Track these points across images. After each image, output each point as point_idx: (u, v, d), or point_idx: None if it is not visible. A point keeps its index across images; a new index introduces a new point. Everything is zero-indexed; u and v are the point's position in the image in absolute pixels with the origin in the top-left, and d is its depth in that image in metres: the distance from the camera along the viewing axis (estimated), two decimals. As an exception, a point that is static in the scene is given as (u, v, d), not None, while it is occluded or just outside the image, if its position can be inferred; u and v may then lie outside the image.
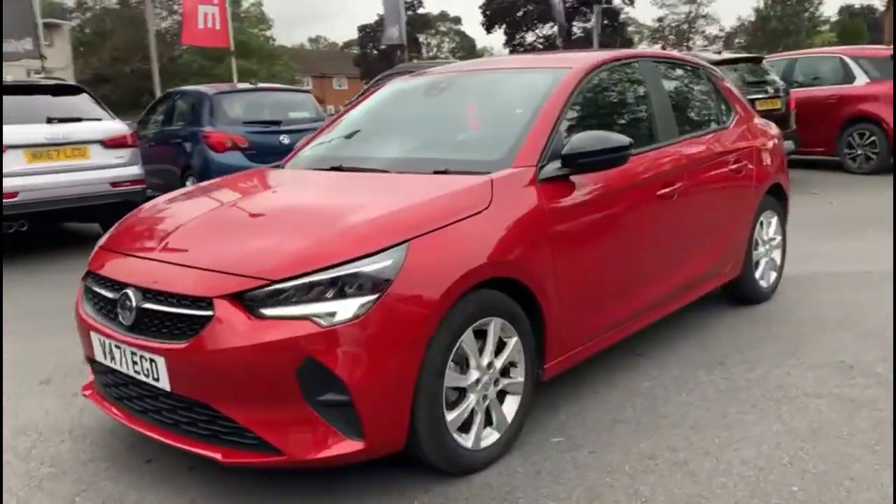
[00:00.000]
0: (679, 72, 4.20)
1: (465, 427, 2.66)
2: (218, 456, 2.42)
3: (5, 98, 6.79)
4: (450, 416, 2.56)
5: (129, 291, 2.59)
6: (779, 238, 4.71)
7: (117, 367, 2.67)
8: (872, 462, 2.64)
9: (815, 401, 3.17)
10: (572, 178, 3.07)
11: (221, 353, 2.33)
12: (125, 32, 36.69)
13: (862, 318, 4.20)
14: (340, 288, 2.34)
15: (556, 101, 3.22)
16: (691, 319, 4.25)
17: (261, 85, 9.56)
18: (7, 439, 3.12)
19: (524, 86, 3.49)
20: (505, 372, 2.81)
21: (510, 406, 2.83)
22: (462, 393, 2.64)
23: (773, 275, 4.69)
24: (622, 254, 3.30)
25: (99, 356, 2.77)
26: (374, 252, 2.39)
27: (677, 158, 3.67)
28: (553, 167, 3.00)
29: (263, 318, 2.33)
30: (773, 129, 4.76)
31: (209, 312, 2.37)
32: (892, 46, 11.29)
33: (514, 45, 52.77)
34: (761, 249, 4.54)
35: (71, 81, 8.87)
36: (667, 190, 3.51)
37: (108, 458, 2.92)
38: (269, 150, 7.91)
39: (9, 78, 9.07)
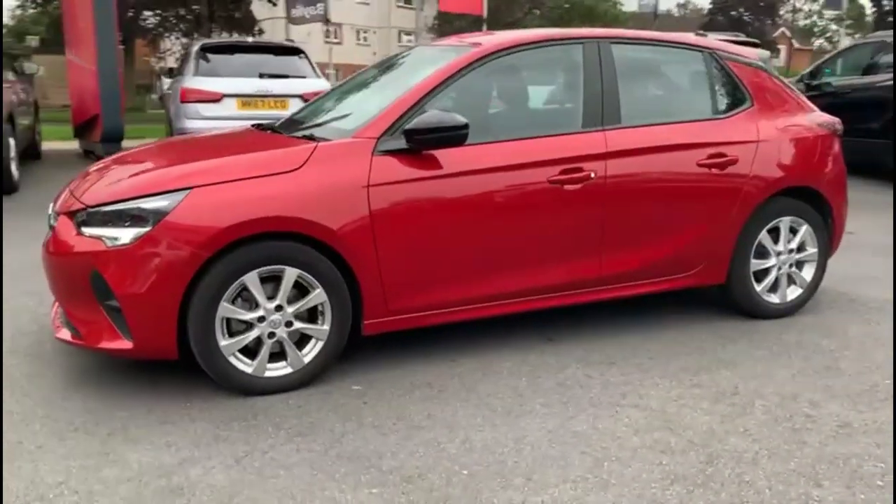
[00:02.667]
0: (653, 55, 3.90)
1: (253, 355, 3.09)
2: (67, 337, 3.17)
3: (232, 55, 8.34)
4: (224, 342, 3.02)
5: (50, 210, 3.45)
6: (810, 251, 4.11)
7: None
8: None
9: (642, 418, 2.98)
10: (436, 153, 3.24)
11: (53, 257, 3.08)
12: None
13: (838, 369, 3.61)
14: (126, 218, 2.93)
15: (432, 79, 3.37)
16: (667, 321, 4.02)
17: None
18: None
19: (434, 62, 3.63)
20: (313, 318, 3.16)
21: (311, 349, 3.17)
22: (249, 325, 3.07)
23: (795, 291, 4.13)
24: (478, 233, 3.35)
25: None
26: (154, 193, 2.93)
27: (598, 146, 3.51)
28: (398, 142, 3.20)
29: (80, 234, 3.01)
30: (818, 124, 4.11)
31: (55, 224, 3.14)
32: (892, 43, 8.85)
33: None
34: (772, 260, 4.03)
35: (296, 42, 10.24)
36: (564, 177, 3.43)
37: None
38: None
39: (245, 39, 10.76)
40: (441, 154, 3.26)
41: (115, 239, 2.92)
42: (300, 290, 3.11)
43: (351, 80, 4.33)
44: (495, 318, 3.57)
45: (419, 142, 3.17)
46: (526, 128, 3.60)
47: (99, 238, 2.94)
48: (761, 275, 4.04)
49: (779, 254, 4.04)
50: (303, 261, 3.06)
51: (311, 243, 3.06)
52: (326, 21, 14.23)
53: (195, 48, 8.86)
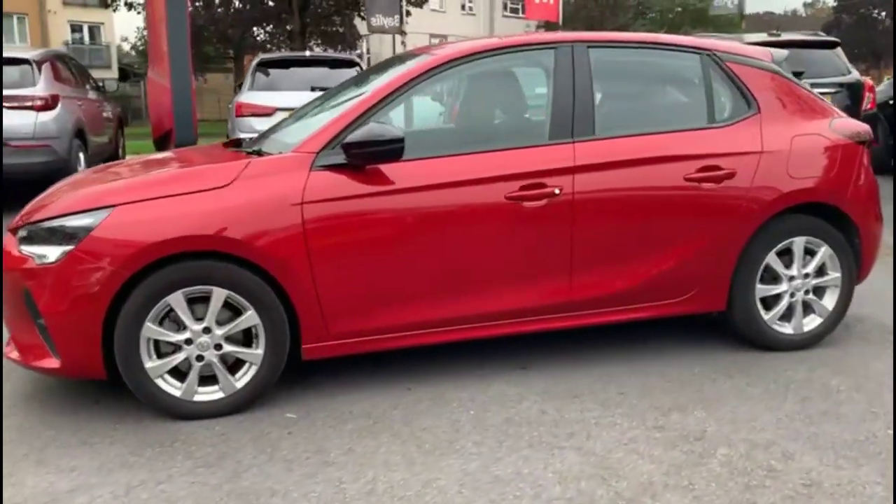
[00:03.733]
0: (639, 59, 3.53)
1: (184, 377, 3.00)
2: (14, 356, 3.17)
3: (288, 69, 8.43)
4: (150, 363, 2.94)
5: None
6: (832, 275, 3.63)
7: None
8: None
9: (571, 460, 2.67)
10: (384, 168, 3.06)
11: (2, 274, 3.10)
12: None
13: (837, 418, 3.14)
14: (54, 236, 2.90)
15: (380, 91, 3.18)
16: (665, 349, 3.67)
17: None
18: None
19: (390, 73, 3.43)
20: (249, 341, 3.04)
21: (244, 373, 3.04)
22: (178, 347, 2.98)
23: (813, 321, 3.66)
24: (428, 254, 3.12)
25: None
26: (79, 211, 2.89)
27: (565, 160, 3.22)
28: (339, 157, 3.04)
29: (20, 251, 3.01)
30: (839, 133, 3.62)
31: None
32: None
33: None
34: (783, 285, 3.58)
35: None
36: (523, 193, 3.16)
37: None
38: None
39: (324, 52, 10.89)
40: (389, 169, 3.08)
41: (43, 257, 2.89)
42: (236, 312, 2.99)
43: (336, 90, 4.20)
44: (452, 343, 3.33)
45: (355, 156, 2.99)
46: (485, 140, 3.35)
47: (31, 255, 2.93)
48: (772, 301, 3.61)
49: (791, 278, 3.58)
50: (232, 281, 2.94)
51: (240, 263, 2.94)
52: (402, 33, 14.30)
53: (254, 63, 9.03)
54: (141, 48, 33.63)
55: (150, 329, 2.91)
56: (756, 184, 3.42)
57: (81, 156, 8.37)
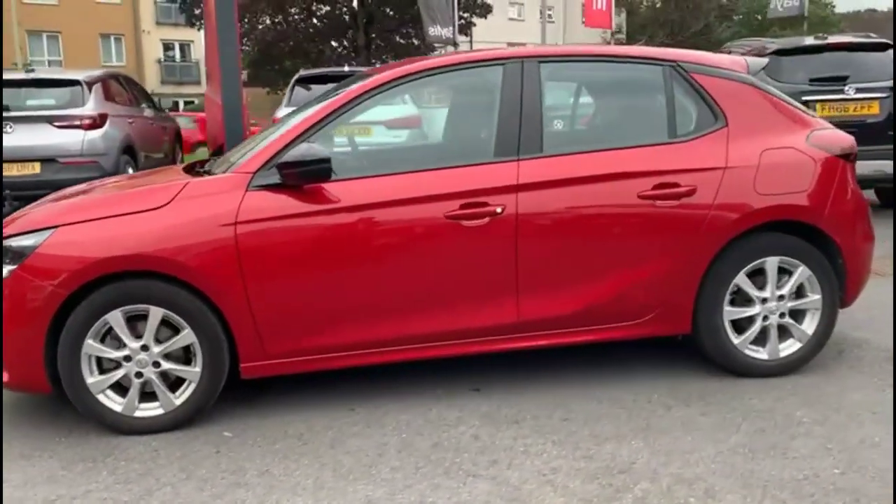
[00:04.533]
0: (596, 73, 3.40)
1: (126, 393, 3.08)
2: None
3: (325, 85, 8.55)
4: (92, 379, 3.02)
5: None
6: (812, 298, 3.40)
7: None
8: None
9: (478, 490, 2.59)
10: (324, 187, 3.07)
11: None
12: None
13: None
14: (7, 255, 3.02)
15: (319, 112, 3.19)
16: (633, 371, 3.53)
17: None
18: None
19: (339, 92, 3.42)
20: (189, 360, 3.09)
21: (183, 390, 3.10)
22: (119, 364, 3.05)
23: (791, 346, 3.44)
24: (366, 274, 3.10)
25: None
26: (22, 233, 3.01)
27: (508, 178, 3.14)
28: (275, 177, 3.06)
29: None
30: (818, 147, 3.39)
31: None
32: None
33: None
34: (755, 307, 3.38)
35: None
36: (463, 212, 3.09)
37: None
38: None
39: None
40: (330, 187, 3.08)
41: (-12, 277, 3.03)
42: (176, 330, 3.05)
43: (302, 108, 4.24)
44: (393, 364, 3.29)
45: (287, 176, 3.01)
46: (429, 159, 3.31)
47: (-13, 274, 3.07)
48: (746, 325, 3.41)
49: (764, 300, 3.38)
50: (168, 300, 3.00)
51: (176, 282, 2.99)
52: (454, 45, 14.35)
53: (294, 79, 9.22)
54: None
55: (91, 346, 2.99)
56: (719, 201, 3.25)
57: (130, 171, 8.73)
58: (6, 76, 8.61)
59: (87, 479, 2.73)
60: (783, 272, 3.39)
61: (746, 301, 3.39)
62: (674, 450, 2.80)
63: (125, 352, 3.02)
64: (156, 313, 3.00)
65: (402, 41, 23.74)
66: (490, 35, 37.58)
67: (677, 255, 3.26)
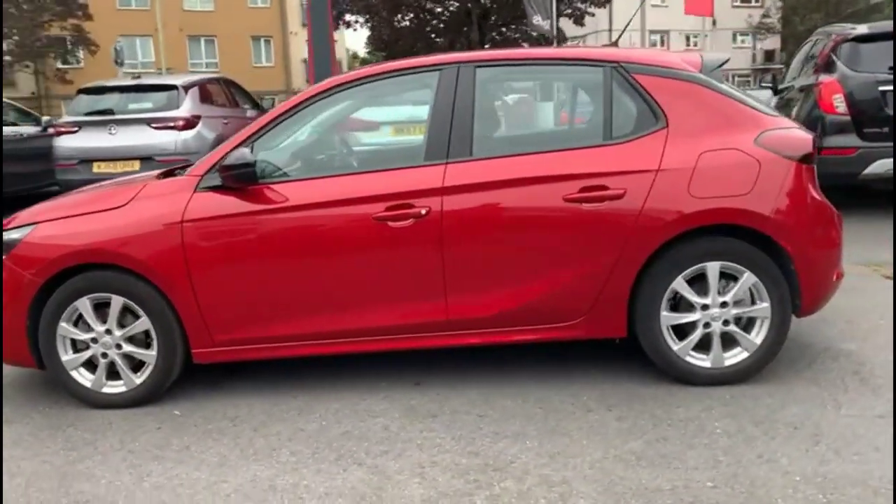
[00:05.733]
0: (534, 77, 3.39)
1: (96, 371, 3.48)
2: None
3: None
4: (66, 357, 3.44)
5: None
6: (761, 305, 3.26)
7: None
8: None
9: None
10: (263, 189, 3.33)
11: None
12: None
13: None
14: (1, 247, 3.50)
15: (266, 117, 3.43)
16: (591, 372, 3.54)
17: None
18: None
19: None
20: (149, 344, 3.44)
21: (143, 371, 3.45)
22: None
23: (738, 355, 3.31)
24: (300, 270, 3.31)
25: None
26: (15, 227, 3.46)
27: (433, 181, 3.24)
28: (217, 179, 3.34)
29: None
30: (768, 148, 3.22)
31: None
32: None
33: None
34: (695, 314, 3.29)
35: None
36: (389, 213, 3.23)
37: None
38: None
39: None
40: (270, 189, 3.32)
41: (-9, 265, 3.52)
42: (137, 317, 3.41)
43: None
44: (333, 356, 3.49)
45: (224, 178, 3.27)
46: (362, 162, 3.46)
47: (-13, 263, 3.57)
48: (690, 330, 3.33)
49: (705, 307, 3.28)
50: (127, 290, 3.36)
51: (132, 274, 3.35)
52: (552, 37, 14.18)
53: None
54: (365, 60, 36.37)
55: (64, 328, 3.41)
56: (650, 204, 3.18)
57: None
58: (116, 83, 9.56)
59: (42, 445, 3.13)
60: (730, 278, 3.27)
61: (691, 307, 3.30)
62: (561, 452, 2.82)
63: (92, 334, 3.42)
64: (117, 301, 3.37)
65: (515, 35, 23.72)
66: (634, 21, 36.58)
67: (606, 259, 3.23)
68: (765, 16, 39.45)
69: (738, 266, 3.24)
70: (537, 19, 13.99)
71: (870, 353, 3.61)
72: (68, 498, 2.69)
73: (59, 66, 33.18)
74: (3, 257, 3.42)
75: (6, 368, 3.82)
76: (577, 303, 3.29)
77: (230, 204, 3.31)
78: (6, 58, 28.72)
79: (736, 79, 40.92)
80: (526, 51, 3.63)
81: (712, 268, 3.24)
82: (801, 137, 3.29)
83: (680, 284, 3.26)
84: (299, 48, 41.30)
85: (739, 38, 46.86)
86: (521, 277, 3.28)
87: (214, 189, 3.34)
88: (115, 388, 3.47)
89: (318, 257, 3.32)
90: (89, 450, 3.06)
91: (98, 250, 3.33)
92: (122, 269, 3.34)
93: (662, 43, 46.76)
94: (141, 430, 3.23)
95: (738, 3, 47.06)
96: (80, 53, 33.05)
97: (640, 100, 3.32)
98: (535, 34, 15.80)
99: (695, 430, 2.94)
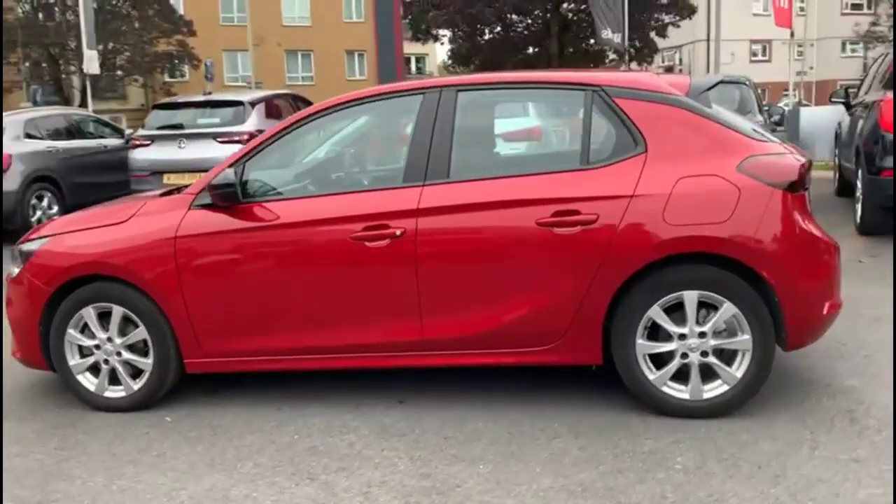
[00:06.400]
0: (515, 101, 3.38)
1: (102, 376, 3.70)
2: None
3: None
4: (73, 361, 3.68)
5: None
6: (742, 338, 3.14)
7: None
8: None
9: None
10: (251, 208, 3.48)
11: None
12: None
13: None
14: (17, 257, 3.78)
15: (258, 139, 3.57)
16: (570, 397, 3.52)
17: None
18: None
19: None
20: (147, 352, 3.64)
21: (140, 378, 3.64)
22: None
23: (717, 388, 3.20)
24: (282, 287, 3.42)
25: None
26: (31, 239, 3.73)
27: (409, 203, 3.29)
28: (209, 198, 3.51)
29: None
30: (749, 175, 3.10)
31: None
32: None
33: None
34: (672, 343, 3.20)
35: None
36: (366, 233, 3.30)
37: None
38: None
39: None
40: (256, 208, 3.46)
41: (11, 273, 3.80)
42: (137, 326, 3.61)
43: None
44: (313, 371, 3.58)
45: (211, 197, 3.43)
46: (345, 184, 3.55)
47: (10, 273, 3.85)
48: (668, 359, 3.24)
49: (682, 336, 3.19)
50: (126, 301, 3.56)
51: (131, 286, 3.55)
52: (623, 50, 13.90)
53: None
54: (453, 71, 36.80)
55: (71, 335, 3.65)
56: (623, 230, 3.13)
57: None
58: (188, 99, 10.06)
59: (40, 443, 3.36)
60: (712, 308, 3.17)
61: (669, 336, 3.22)
62: (510, 480, 2.81)
63: (96, 341, 3.64)
64: (117, 311, 3.58)
65: (596, 48, 23.44)
66: (734, 32, 35.44)
67: (579, 284, 3.19)
68: (874, 24, 37.36)
69: (718, 296, 3.14)
70: (606, 33, 13.80)
71: (872, 392, 3.41)
72: (42, 496, 2.88)
73: (167, 79, 35.03)
74: (22, 266, 3.69)
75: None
76: (551, 328, 3.26)
77: (218, 221, 3.46)
78: (117, 72, 30.66)
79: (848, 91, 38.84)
80: (509, 74, 3.63)
81: (690, 297, 3.15)
82: (788, 164, 3.16)
83: (656, 312, 3.19)
84: (392, 61, 42.14)
85: (849, 47, 44.63)
86: (495, 300, 3.29)
87: (206, 207, 3.50)
88: (115, 392, 3.67)
89: (297, 275, 3.43)
90: (78, 450, 3.26)
91: (98, 262, 3.55)
92: (122, 282, 3.54)
93: (765, 52, 45.12)
94: (130, 433, 3.41)
95: (847, 11, 44.89)
96: (185, 67, 34.78)
97: (620, 124, 3.27)
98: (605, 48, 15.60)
99: (654, 464, 2.87)
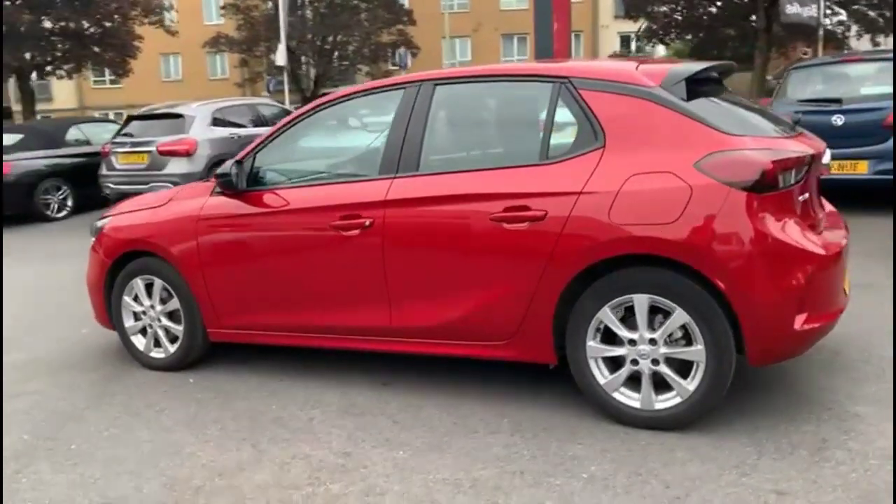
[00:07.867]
0: (489, 94, 3.33)
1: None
2: None
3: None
4: (128, 323, 4.25)
5: None
6: (695, 348, 2.92)
7: None
8: None
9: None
10: (258, 194, 3.83)
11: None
12: None
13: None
14: (94, 232, 4.44)
15: (265, 134, 3.88)
16: (564, 393, 3.50)
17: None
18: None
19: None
20: (180, 320, 4.13)
21: (176, 343, 4.14)
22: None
23: (670, 399, 3.00)
24: (276, 268, 3.72)
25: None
26: (102, 217, 4.38)
27: (378, 194, 3.41)
28: (224, 185, 3.90)
29: None
30: (707, 173, 2.82)
31: None
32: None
33: None
34: (622, 348, 3.04)
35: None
36: (342, 222, 3.49)
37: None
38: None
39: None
40: (256, 196, 3.78)
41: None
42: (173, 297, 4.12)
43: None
44: (299, 348, 3.85)
45: (217, 185, 3.81)
46: (333, 174, 3.73)
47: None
48: (622, 363, 3.10)
49: (632, 342, 3.02)
50: (163, 274, 4.07)
51: (166, 262, 4.05)
52: (817, 25, 12.32)
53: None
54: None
55: (126, 301, 4.24)
56: (569, 228, 3.02)
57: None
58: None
59: (87, 389, 3.95)
60: (661, 313, 2.98)
61: (622, 340, 3.07)
62: (414, 468, 2.88)
63: (142, 308, 4.19)
64: (158, 283, 4.10)
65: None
66: None
67: (528, 281, 3.13)
68: None
69: (668, 301, 2.93)
70: (792, 8, 12.39)
71: (875, 421, 2.98)
72: (53, 433, 3.44)
73: (390, 67, 37.15)
74: (94, 240, 4.35)
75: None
76: (504, 323, 3.24)
77: (228, 207, 3.83)
78: (344, 63, 33.08)
79: None
80: (485, 67, 3.56)
81: (640, 300, 2.98)
82: (749, 163, 2.85)
83: (605, 315, 3.05)
84: (609, 41, 41.20)
85: None
86: (453, 292, 3.33)
87: (221, 193, 3.89)
88: (158, 353, 4.21)
89: (286, 259, 3.71)
90: (105, 400, 3.81)
91: (141, 240, 4.08)
92: (159, 257, 4.05)
93: None
94: (153, 390, 3.91)
95: None
96: (407, 56, 36.62)
97: (584, 117, 3.13)
98: (787, 23, 13.90)
99: (563, 469, 2.78)
